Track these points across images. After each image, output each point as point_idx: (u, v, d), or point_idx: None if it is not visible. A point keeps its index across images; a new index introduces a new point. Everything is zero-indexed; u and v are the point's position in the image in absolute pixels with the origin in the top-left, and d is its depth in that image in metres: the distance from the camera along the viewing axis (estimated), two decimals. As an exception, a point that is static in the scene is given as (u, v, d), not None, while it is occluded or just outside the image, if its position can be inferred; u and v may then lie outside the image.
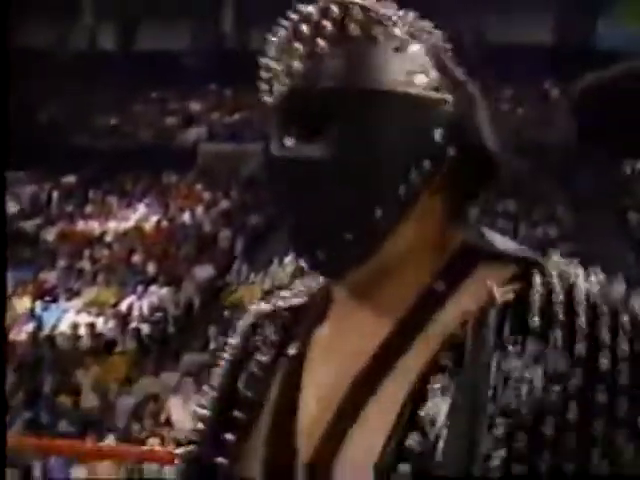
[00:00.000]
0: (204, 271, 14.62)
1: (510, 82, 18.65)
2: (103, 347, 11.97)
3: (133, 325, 12.75)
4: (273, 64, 1.04)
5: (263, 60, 1.05)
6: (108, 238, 16.11)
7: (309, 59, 1.00)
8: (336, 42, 1.00)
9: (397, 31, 1.01)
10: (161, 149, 18.95)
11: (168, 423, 8.94)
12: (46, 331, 12.83)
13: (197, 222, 16.58)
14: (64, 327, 12.96)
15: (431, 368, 0.93)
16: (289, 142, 0.99)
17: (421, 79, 1.00)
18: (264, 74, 1.06)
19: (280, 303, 1.18)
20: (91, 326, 12.57)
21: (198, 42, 22.46)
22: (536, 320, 0.92)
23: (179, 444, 1.15)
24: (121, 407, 9.78)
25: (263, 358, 1.11)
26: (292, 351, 1.07)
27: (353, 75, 0.98)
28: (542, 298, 0.94)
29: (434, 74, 1.01)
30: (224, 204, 17.31)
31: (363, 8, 1.00)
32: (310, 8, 1.03)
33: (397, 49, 1.01)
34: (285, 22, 1.04)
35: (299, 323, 1.11)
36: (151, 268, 14.68)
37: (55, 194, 18.23)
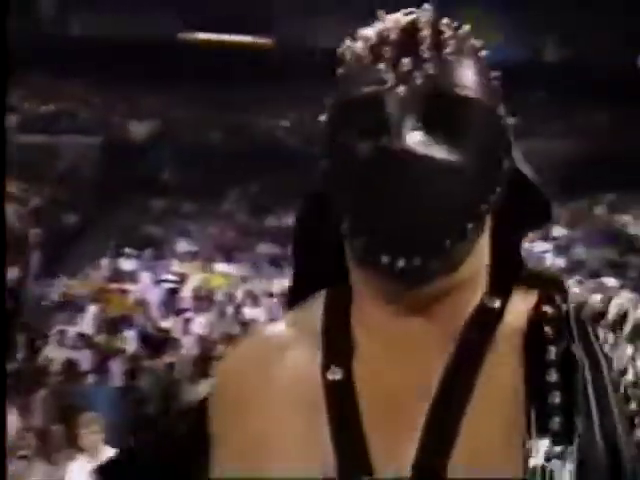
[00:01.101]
0: (10, 273, 13.76)
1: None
2: None
3: None
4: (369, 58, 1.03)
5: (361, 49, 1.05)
6: None
7: (428, 61, 1.01)
8: (439, 53, 1.03)
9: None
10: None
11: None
12: None
13: (6, 220, 15.60)
14: None
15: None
16: (418, 137, 0.97)
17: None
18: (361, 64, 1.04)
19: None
20: None
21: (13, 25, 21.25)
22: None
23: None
24: None
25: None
26: (336, 376, 1.03)
27: (477, 85, 1.03)
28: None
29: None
30: (36, 201, 16.38)
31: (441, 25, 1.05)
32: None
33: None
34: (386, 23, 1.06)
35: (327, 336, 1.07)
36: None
37: None
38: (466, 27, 1.08)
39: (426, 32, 1.03)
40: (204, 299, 12.59)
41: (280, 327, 1.13)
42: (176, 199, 18.29)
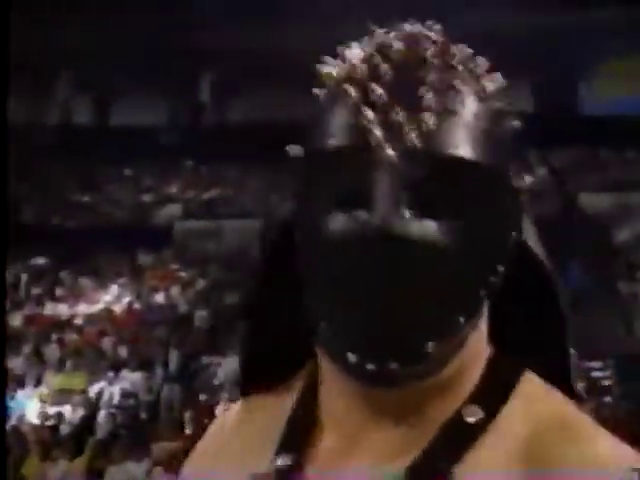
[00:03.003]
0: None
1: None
2: (71, 437, 11.37)
3: (104, 412, 12.18)
4: (370, 114, 0.83)
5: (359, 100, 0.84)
6: (78, 321, 15.56)
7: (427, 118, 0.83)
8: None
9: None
10: (136, 228, 18.60)
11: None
12: (13, 421, 12.21)
13: (172, 302, 16.19)
14: (31, 416, 12.35)
15: None
16: (406, 214, 0.81)
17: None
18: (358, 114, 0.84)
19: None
20: (59, 415, 11.99)
21: (174, 117, 22.36)
22: None
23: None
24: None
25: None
26: (284, 462, 0.91)
27: (478, 148, 0.84)
28: None
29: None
30: (201, 283, 16.83)
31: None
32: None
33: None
34: (378, 66, 0.85)
35: (290, 423, 0.94)
36: (123, 352, 14.15)
37: (24, 276, 17.61)
38: (481, 61, 0.89)
39: (431, 66, 0.85)
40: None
41: (249, 414, 1.02)
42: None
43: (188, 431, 11.47)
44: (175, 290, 16.71)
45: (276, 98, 22.05)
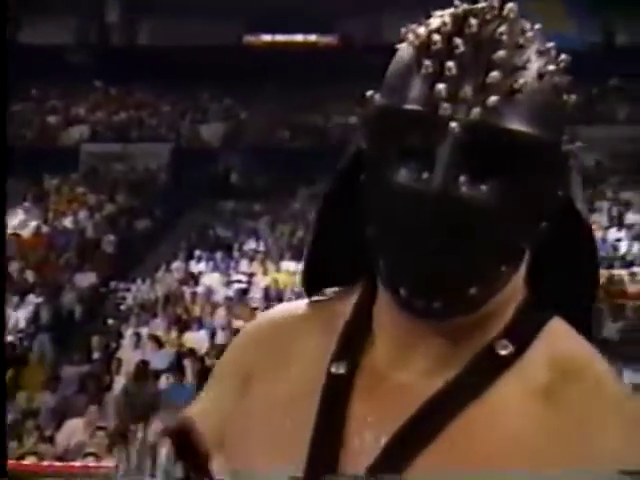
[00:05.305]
0: (86, 279, 14.04)
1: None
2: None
3: (8, 339, 12.00)
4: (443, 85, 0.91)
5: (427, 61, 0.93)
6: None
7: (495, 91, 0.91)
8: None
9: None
10: (41, 150, 18.14)
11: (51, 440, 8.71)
12: None
13: (79, 227, 15.93)
14: None
15: None
16: (463, 179, 0.91)
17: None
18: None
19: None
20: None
21: (82, 36, 21.70)
22: None
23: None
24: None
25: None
26: (339, 370, 1.00)
27: (536, 121, 0.93)
28: None
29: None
30: (109, 208, 16.64)
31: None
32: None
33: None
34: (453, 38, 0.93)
35: (345, 331, 1.04)
36: (30, 276, 13.93)
37: None
38: (548, 43, 0.97)
39: (503, 45, 0.92)
40: (274, 298, 12.67)
41: (306, 313, 1.10)
42: (246, 200, 18.42)
43: (96, 355, 11.45)
44: (82, 214, 16.43)
45: (188, 20, 21.59)
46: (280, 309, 1.16)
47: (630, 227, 15.40)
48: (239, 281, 13.98)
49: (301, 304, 1.12)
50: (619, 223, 15.70)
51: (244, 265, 14.84)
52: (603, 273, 13.70)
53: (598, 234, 15.65)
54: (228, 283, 14.00)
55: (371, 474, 0.93)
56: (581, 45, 22.15)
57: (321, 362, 1.02)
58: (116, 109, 20.55)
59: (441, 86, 0.91)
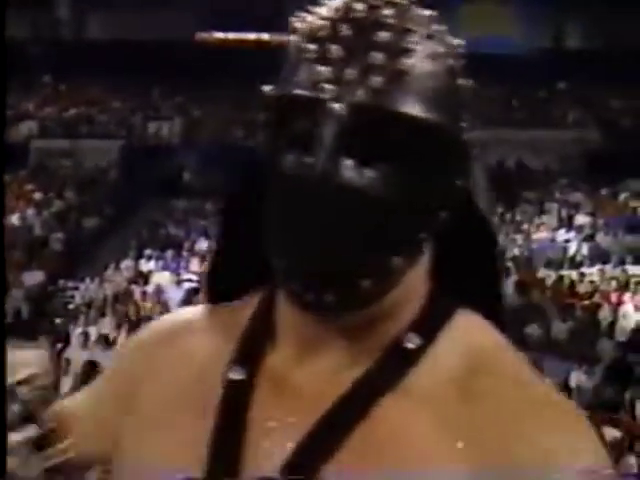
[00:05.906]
0: (33, 277, 13.88)
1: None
2: None
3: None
4: (324, 68, 0.90)
5: (308, 52, 0.92)
6: None
7: (380, 73, 0.89)
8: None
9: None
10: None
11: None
12: None
13: (27, 224, 15.76)
14: None
15: None
16: (347, 163, 0.88)
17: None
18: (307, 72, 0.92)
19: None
20: None
21: (31, 31, 21.40)
22: None
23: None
24: None
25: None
26: (237, 376, 0.97)
27: (427, 105, 0.90)
28: None
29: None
30: (57, 205, 16.50)
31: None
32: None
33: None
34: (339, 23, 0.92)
35: (244, 337, 1.01)
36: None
37: None
38: (441, 27, 0.95)
39: (388, 27, 0.91)
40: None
41: (205, 318, 1.07)
42: (198, 199, 18.33)
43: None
44: (30, 211, 16.24)
45: (140, 16, 21.43)
46: (178, 314, 1.13)
47: (579, 228, 15.62)
48: (190, 280, 13.89)
49: (200, 309, 1.09)
50: (568, 224, 15.92)
51: (195, 264, 14.75)
52: (551, 274, 13.98)
53: (548, 235, 15.99)
54: (179, 282, 13.91)
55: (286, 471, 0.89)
56: (529, 49, 22.51)
57: (219, 367, 0.99)
58: (66, 105, 20.31)
59: (324, 68, 0.90)
